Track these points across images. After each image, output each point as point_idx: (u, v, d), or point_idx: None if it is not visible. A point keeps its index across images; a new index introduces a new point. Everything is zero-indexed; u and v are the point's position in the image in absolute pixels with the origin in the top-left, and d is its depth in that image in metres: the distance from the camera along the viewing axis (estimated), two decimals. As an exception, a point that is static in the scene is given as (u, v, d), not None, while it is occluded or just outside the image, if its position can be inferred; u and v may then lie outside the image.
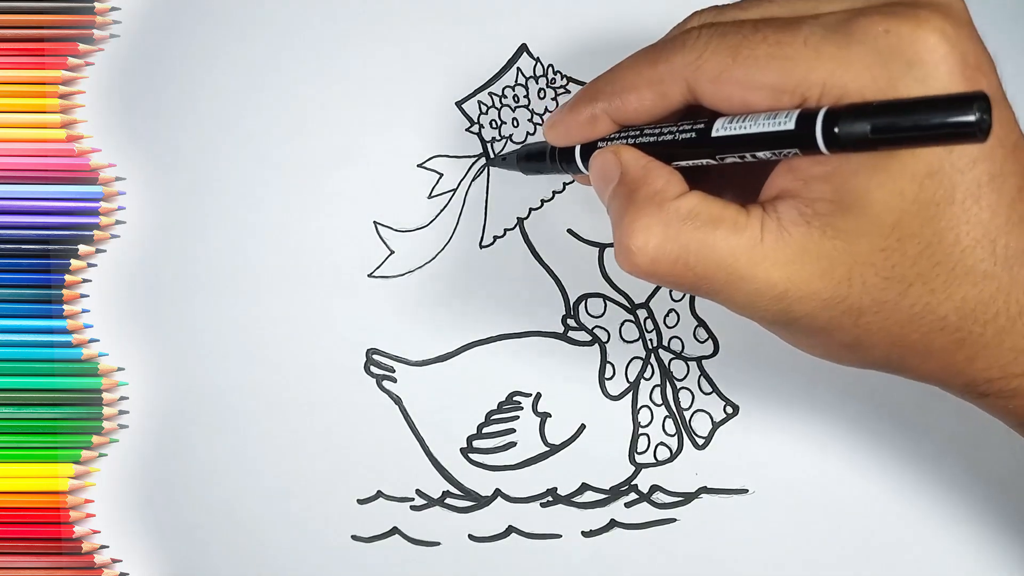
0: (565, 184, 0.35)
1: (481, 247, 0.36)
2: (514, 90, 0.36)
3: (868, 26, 0.23)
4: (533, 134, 0.36)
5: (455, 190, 0.36)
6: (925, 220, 0.23)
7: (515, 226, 0.36)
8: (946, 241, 0.24)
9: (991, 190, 0.23)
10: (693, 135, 0.25)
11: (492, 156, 0.35)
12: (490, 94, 0.36)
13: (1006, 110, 0.24)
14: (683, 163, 0.26)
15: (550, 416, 0.36)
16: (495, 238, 0.36)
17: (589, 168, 0.29)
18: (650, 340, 0.36)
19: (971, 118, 0.19)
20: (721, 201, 0.26)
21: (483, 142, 0.36)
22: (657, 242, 0.25)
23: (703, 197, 0.26)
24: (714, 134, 0.25)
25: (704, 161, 0.26)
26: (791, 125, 0.23)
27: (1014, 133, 0.24)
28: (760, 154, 0.24)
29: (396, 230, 0.36)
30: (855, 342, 0.26)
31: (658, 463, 0.36)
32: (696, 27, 0.26)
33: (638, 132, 0.27)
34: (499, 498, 0.36)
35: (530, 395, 0.36)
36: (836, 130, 0.22)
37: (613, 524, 0.36)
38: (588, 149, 0.29)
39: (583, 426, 0.36)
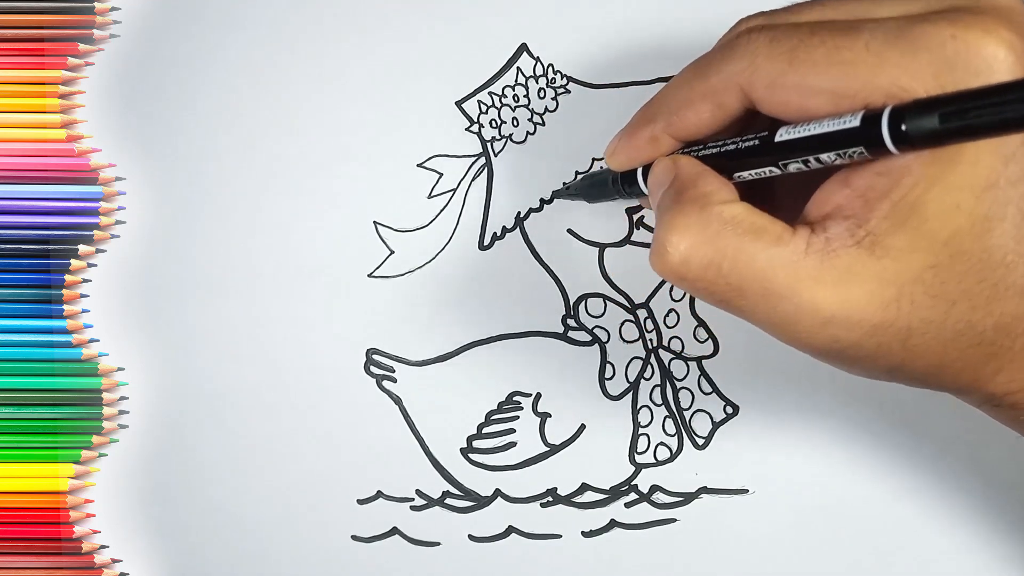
0: (565, 184, 0.35)
1: (481, 247, 0.36)
2: (514, 90, 0.36)
3: (933, 32, 0.22)
4: (533, 134, 0.36)
5: (455, 190, 0.36)
6: (976, 236, 0.23)
7: (515, 226, 0.36)
8: (994, 259, 0.23)
9: None
10: (756, 143, 0.25)
11: (552, 194, 0.35)
12: (490, 94, 0.36)
13: None
14: (745, 175, 0.26)
15: (550, 416, 0.36)
16: (495, 238, 0.36)
17: (647, 181, 0.28)
18: (650, 340, 0.36)
19: None
20: (769, 216, 0.25)
21: (483, 142, 0.36)
22: (691, 242, 0.24)
23: (750, 208, 0.25)
24: (777, 139, 0.24)
25: (768, 170, 0.25)
26: (856, 123, 0.22)
27: None
28: (825, 157, 0.23)
29: (396, 230, 0.36)
30: (899, 365, 0.25)
31: (658, 463, 0.36)
32: (745, 31, 0.25)
33: (701, 146, 0.27)
34: (499, 498, 0.36)
35: (530, 395, 0.36)
36: (904, 127, 0.21)
37: (613, 524, 0.36)
38: (649, 171, 0.29)
39: (583, 426, 0.36)
